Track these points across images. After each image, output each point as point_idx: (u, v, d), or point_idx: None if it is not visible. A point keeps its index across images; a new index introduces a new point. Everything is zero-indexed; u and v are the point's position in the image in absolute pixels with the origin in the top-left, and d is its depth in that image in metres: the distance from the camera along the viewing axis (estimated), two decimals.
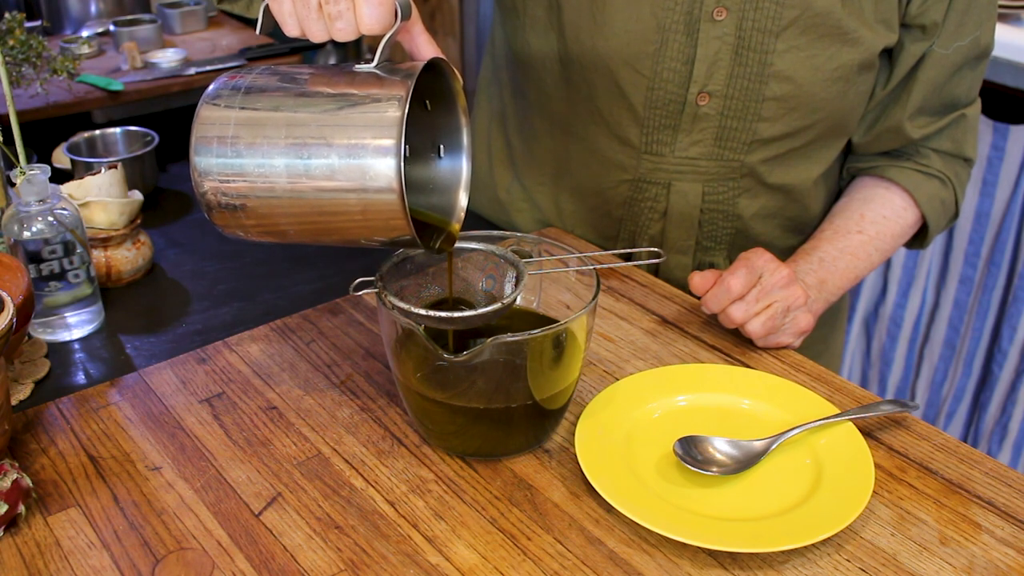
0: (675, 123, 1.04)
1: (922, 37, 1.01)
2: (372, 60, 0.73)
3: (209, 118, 0.74)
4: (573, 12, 1.03)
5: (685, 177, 1.07)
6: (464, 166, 0.80)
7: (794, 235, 1.14)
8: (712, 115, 1.02)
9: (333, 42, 0.76)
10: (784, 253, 1.15)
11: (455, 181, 0.81)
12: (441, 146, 0.81)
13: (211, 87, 0.76)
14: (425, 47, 0.76)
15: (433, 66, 0.75)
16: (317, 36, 0.74)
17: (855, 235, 1.07)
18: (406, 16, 0.73)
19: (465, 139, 0.80)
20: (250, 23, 0.81)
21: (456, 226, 0.80)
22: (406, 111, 0.68)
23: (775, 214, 1.11)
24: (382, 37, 0.73)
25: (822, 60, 0.98)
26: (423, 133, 0.81)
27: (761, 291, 0.93)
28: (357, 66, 0.74)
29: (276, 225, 0.75)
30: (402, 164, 0.68)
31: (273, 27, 0.78)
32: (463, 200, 0.80)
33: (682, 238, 1.11)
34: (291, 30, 0.75)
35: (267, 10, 0.76)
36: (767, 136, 1.03)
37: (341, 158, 0.70)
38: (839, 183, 1.17)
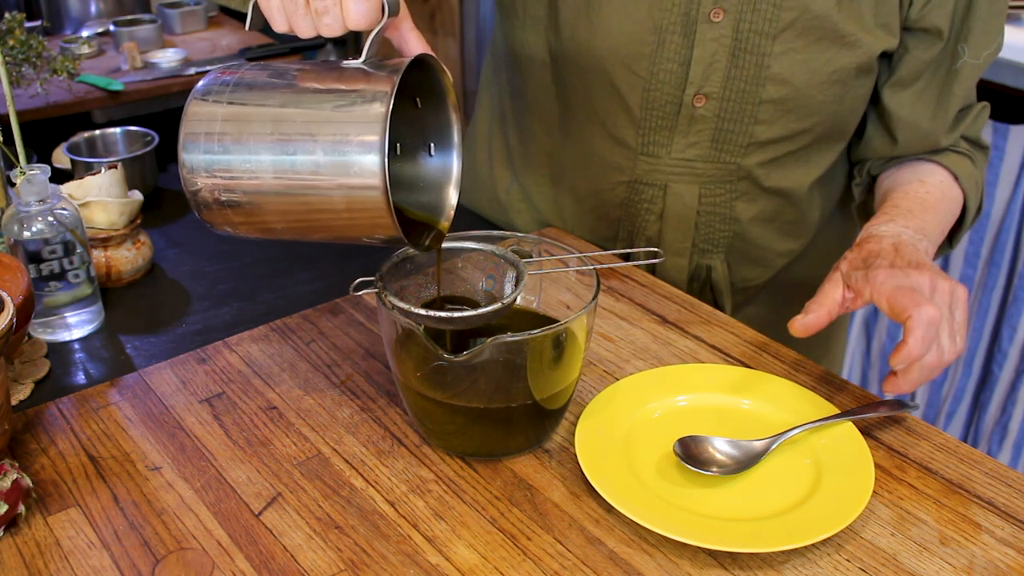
0: (671, 124, 1.04)
1: (927, 40, 1.00)
2: (360, 56, 0.74)
3: (197, 114, 0.74)
4: (570, 12, 1.02)
5: (682, 179, 1.07)
6: (454, 163, 0.80)
7: (792, 239, 1.13)
8: (708, 117, 1.02)
9: (333, 41, 0.77)
10: (782, 257, 1.14)
11: (446, 178, 0.81)
12: (432, 144, 0.81)
13: (200, 83, 0.76)
14: (414, 44, 0.76)
15: (422, 63, 0.75)
16: (304, 32, 0.75)
17: (924, 194, 1.02)
18: (393, 12, 0.73)
19: (455, 136, 0.80)
20: None
21: (445, 224, 0.80)
22: (390, 107, 0.68)
23: (772, 218, 1.10)
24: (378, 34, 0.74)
25: (819, 63, 0.98)
26: (414, 131, 0.81)
27: (953, 331, 0.83)
28: (345, 62, 0.74)
29: (264, 222, 0.75)
30: (386, 160, 0.68)
31: (263, 24, 0.79)
32: (453, 198, 0.80)
33: (678, 240, 1.11)
34: (279, 26, 0.76)
35: (256, 7, 0.76)
36: (764, 139, 1.03)
37: (326, 154, 0.70)
38: (841, 187, 1.16)
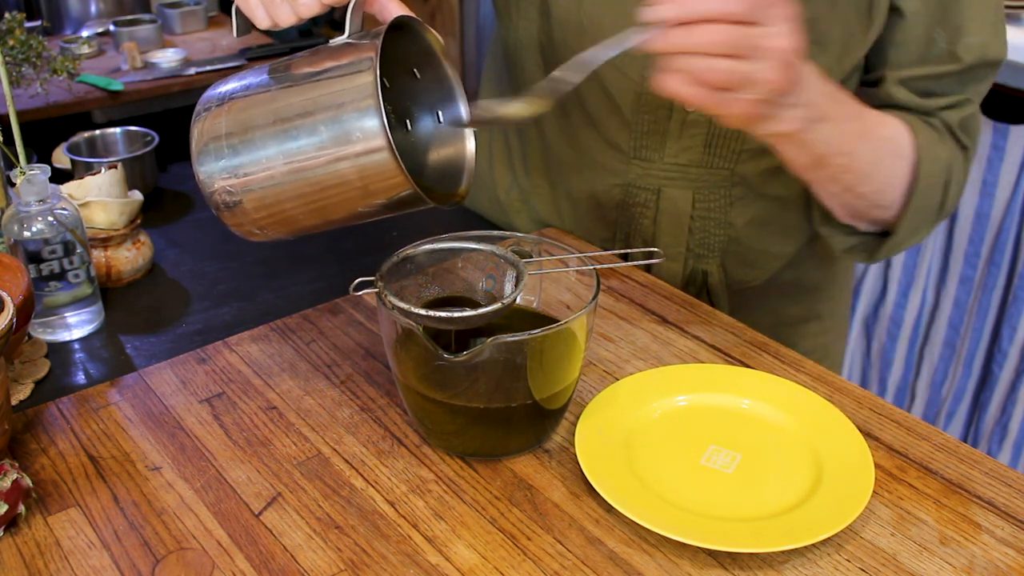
0: (663, 128, 1.03)
1: (894, 18, 0.95)
2: (344, 33, 0.76)
3: (202, 126, 0.77)
4: (562, 13, 1.02)
5: (674, 184, 1.06)
6: (462, 111, 0.82)
7: (789, 242, 1.12)
8: (701, 122, 1.01)
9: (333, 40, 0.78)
10: (781, 259, 1.13)
11: (459, 132, 0.82)
12: (439, 111, 0.83)
13: (201, 98, 0.78)
14: (394, 10, 0.77)
15: (406, 27, 0.77)
16: (285, 19, 0.77)
17: (876, 118, 0.92)
18: None
19: (455, 87, 0.81)
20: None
21: (466, 185, 0.81)
22: (377, 68, 0.70)
23: (768, 222, 1.09)
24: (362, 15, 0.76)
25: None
26: (419, 103, 0.82)
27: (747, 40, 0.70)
28: (331, 41, 0.76)
29: (284, 212, 0.77)
30: (385, 119, 0.70)
31: (249, 28, 0.81)
32: (471, 146, 0.82)
33: (672, 244, 1.10)
34: (262, 22, 0.78)
35: (238, 10, 0.79)
36: (757, 145, 1.01)
37: (327, 130, 0.72)
38: None
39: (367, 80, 0.70)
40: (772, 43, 0.71)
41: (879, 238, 0.99)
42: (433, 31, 0.78)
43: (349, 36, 0.75)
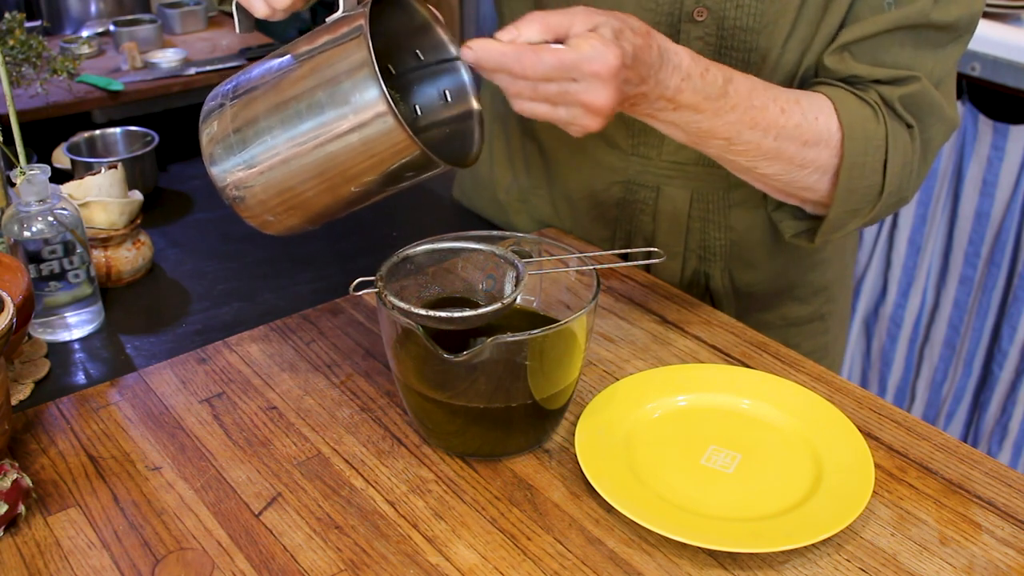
0: None
1: None
2: (339, 11, 0.77)
3: (211, 121, 0.78)
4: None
5: (672, 182, 1.06)
6: (464, 76, 0.82)
7: (796, 249, 1.12)
8: None
9: None
10: (785, 264, 1.13)
11: (464, 97, 0.83)
12: (446, 90, 0.83)
13: (209, 95, 0.80)
14: None
15: (398, 1, 0.77)
16: (282, 3, 0.77)
17: (783, 106, 0.88)
18: None
19: (452, 51, 0.82)
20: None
21: (476, 151, 0.82)
22: (368, 34, 0.71)
23: (771, 228, 1.09)
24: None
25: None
26: (425, 85, 0.83)
27: (560, 67, 0.73)
28: (327, 19, 0.77)
29: (297, 194, 0.78)
30: (382, 82, 0.70)
31: (252, 23, 0.82)
32: (475, 104, 0.82)
33: (671, 243, 1.10)
34: (260, 10, 0.78)
35: (239, 6, 0.80)
36: None
37: (329, 103, 0.73)
38: None
39: (360, 50, 0.71)
40: (581, 99, 0.75)
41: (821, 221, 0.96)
42: (423, 2, 0.79)
43: (343, 12, 0.76)
